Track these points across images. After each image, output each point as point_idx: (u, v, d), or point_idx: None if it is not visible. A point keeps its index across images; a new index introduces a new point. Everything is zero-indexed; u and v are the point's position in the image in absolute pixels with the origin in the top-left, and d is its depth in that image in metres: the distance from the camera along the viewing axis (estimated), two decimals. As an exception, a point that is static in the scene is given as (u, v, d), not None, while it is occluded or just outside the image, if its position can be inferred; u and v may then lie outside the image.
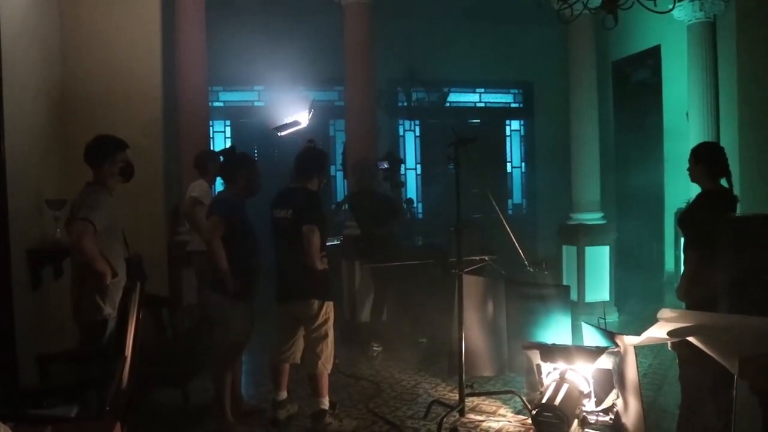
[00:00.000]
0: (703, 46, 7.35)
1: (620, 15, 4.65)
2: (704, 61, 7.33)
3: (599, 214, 7.78)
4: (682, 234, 4.54)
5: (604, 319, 4.99)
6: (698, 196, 4.36)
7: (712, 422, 3.99)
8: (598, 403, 4.35)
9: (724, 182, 4.40)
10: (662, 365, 5.61)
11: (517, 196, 11.51)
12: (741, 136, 7.08)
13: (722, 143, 7.03)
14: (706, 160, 4.37)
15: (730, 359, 2.97)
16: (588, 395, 4.33)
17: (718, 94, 7.30)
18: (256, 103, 9.85)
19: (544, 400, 4.18)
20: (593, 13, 4.81)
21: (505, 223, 5.10)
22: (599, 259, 7.62)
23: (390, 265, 6.34)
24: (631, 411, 4.14)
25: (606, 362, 4.29)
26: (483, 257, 5.33)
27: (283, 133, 6.29)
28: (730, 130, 7.21)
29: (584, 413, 4.32)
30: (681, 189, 7.65)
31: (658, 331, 3.36)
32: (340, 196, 9.63)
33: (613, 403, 4.31)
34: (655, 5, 4.51)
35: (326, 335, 4.55)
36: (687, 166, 4.47)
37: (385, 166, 7.16)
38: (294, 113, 6.22)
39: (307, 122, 6.24)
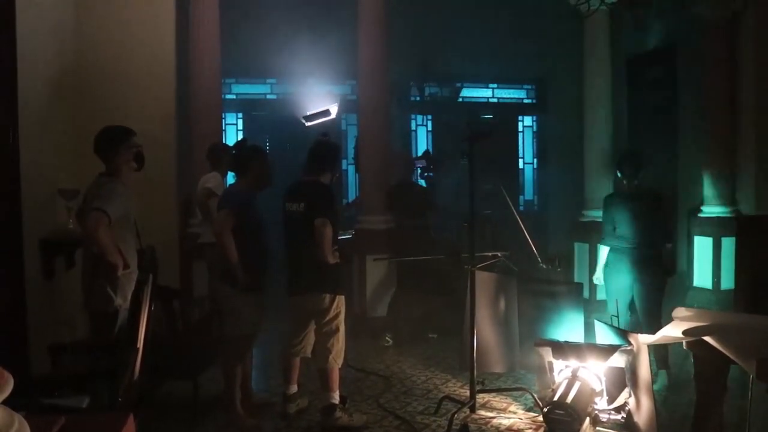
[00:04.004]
0: (720, 44, 7.26)
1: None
2: (721, 60, 7.24)
3: (612, 212, 7.70)
4: None
5: (617, 317, 4.95)
6: None
7: (726, 422, 3.97)
8: (610, 401, 4.32)
9: None
10: (674, 364, 5.56)
11: (528, 192, 11.46)
12: (759, 136, 7.01)
13: (740, 143, 6.99)
14: None
15: (747, 360, 2.94)
16: (600, 393, 4.30)
17: (735, 94, 7.22)
18: (268, 96, 9.85)
19: (555, 398, 4.16)
20: (610, 9, 4.77)
21: (518, 219, 5.08)
22: (612, 257, 7.56)
23: (404, 259, 6.32)
24: (643, 410, 4.11)
25: (619, 360, 4.25)
26: (495, 253, 5.30)
27: (310, 123, 6.27)
28: (748, 130, 7.14)
29: (596, 411, 4.30)
30: (694, 188, 7.60)
31: (674, 330, 3.34)
32: (351, 190, 9.62)
33: (625, 402, 4.28)
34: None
35: (337, 329, 4.55)
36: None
37: (423, 165, 7.22)
38: (310, 106, 6.22)
39: (335, 114, 6.25)
